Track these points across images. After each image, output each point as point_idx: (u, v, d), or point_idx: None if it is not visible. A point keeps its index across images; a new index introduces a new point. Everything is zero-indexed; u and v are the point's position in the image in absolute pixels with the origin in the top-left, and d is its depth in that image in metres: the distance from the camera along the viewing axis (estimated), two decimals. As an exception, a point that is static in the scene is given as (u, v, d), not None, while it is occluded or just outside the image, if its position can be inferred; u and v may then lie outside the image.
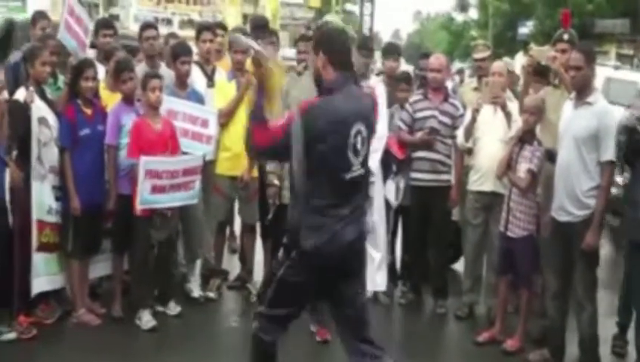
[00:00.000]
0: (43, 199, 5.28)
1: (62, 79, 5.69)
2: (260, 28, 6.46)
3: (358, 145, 3.60)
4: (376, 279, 6.13)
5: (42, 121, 5.23)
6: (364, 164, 3.70)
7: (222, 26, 7.28)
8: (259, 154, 3.83)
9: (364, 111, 3.70)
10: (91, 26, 6.42)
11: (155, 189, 5.35)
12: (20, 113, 5.11)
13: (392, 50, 6.72)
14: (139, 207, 5.33)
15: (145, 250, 5.53)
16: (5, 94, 5.09)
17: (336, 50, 3.67)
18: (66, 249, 5.41)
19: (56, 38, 5.93)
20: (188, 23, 16.54)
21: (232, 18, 17.03)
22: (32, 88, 5.20)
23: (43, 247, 5.30)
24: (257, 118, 3.62)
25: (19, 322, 5.15)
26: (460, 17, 49.65)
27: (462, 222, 6.15)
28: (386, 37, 60.21)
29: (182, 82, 5.96)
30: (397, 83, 6.38)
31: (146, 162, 5.28)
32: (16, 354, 4.93)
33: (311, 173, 3.51)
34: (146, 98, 5.49)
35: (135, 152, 5.32)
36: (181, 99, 5.87)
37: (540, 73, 5.56)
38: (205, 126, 5.86)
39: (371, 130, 3.74)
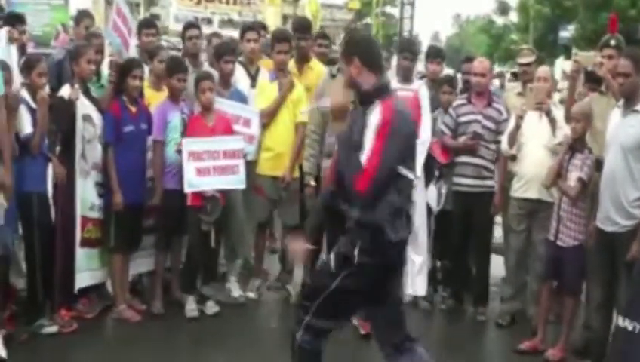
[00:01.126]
0: (86, 195, 5.36)
1: (105, 77, 5.75)
2: (302, 30, 6.44)
3: None
4: (416, 283, 6.11)
5: (87, 118, 5.31)
6: None
7: (263, 27, 7.30)
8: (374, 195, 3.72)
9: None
10: (135, 26, 6.48)
11: (200, 172, 5.47)
12: (65, 110, 5.19)
13: (435, 54, 6.66)
14: (187, 189, 5.46)
15: (197, 238, 5.62)
16: (47, 89, 5.16)
17: (370, 53, 3.63)
18: (108, 244, 5.48)
19: (101, 37, 6.02)
20: (228, 23, 16.57)
21: (272, 18, 17.03)
22: (77, 86, 5.27)
23: (85, 243, 5.39)
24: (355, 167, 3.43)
25: (60, 316, 5.22)
26: (500, 20, 49.10)
27: (505, 229, 6.07)
28: (425, 40, 59.91)
29: (225, 81, 5.99)
30: (440, 86, 6.32)
31: (186, 143, 5.46)
32: (56, 347, 4.99)
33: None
34: (197, 98, 5.62)
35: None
36: (224, 99, 5.89)
37: (594, 80, 5.46)
38: (247, 125, 5.88)
39: None
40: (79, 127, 5.24)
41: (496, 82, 11.89)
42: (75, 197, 5.27)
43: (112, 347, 5.14)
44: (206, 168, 5.50)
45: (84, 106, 5.31)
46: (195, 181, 5.47)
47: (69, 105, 5.20)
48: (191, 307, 5.57)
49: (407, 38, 14.38)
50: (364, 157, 3.41)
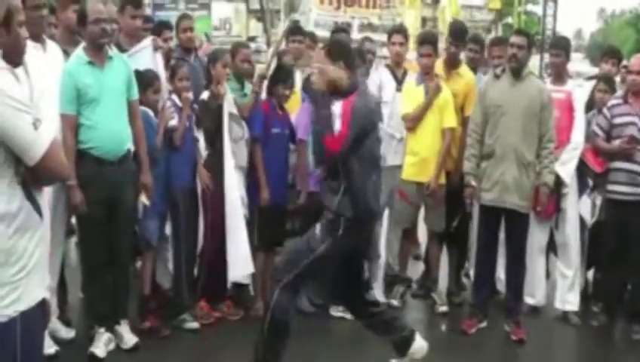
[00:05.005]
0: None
1: (248, 87, 5.87)
2: (458, 36, 6.23)
3: None
4: (567, 297, 5.86)
5: (233, 117, 5.45)
6: None
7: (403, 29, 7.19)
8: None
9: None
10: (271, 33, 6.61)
11: None
12: (211, 109, 5.37)
13: (611, 53, 6.41)
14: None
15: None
16: (191, 94, 5.37)
17: (353, 57, 4.43)
18: (252, 242, 5.58)
19: (248, 47, 6.21)
20: (367, 27, 16.58)
21: (412, 21, 16.90)
22: (221, 84, 5.42)
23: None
24: None
25: (200, 307, 5.39)
26: (648, 13, 46.50)
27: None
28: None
29: None
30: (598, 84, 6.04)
31: None
32: (195, 344, 5.15)
33: None
34: None
35: None
36: None
37: None
38: None
39: None
40: (226, 123, 5.38)
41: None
42: (225, 193, 5.36)
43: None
44: None
45: (231, 105, 5.46)
46: None
47: (214, 105, 5.38)
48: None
49: (559, 35, 13.87)
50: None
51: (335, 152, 4.16)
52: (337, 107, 4.16)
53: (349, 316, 5.45)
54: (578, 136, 5.74)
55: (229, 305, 5.62)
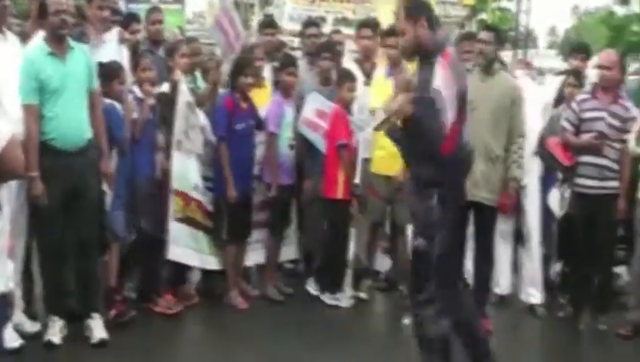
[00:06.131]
0: (190, 174, 5.52)
1: (199, 79, 5.95)
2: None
3: None
4: (530, 290, 5.95)
5: (190, 105, 5.47)
6: None
7: (377, 24, 7.20)
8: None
9: None
10: (243, 31, 6.56)
11: (311, 126, 5.81)
12: (168, 100, 5.40)
13: (579, 49, 6.45)
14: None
15: (345, 233, 5.90)
16: (156, 89, 5.42)
17: (432, 13, 4.09)
18: (221, 236, 5.68)
19: (197, 40, 6.32)
20: (342, 21, 16.56)
21: (386, 16, 16.91)
22: (178, 73, 5.46)
23: (190, 222, 5.54)
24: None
25: (165, 299, 5.44)
26: (620, 11, 46.88)
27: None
28: (541, 34, 58.14)
29: (324, 78, 6.01)
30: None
31: (315, 97, 5.86)
32: (162, 327, 5.24)
33: None
34: (341, 95, 5.78)
35: (343, 135, 5.72)
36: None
37: None
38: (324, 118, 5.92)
39: None
40: (181, 108, 5.38)
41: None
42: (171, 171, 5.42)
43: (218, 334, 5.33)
44: (315, 125, 5.80)
45: (187, 93, 5.46)
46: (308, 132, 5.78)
47: (171, 96, 5.40)
48: (348, 295, 5.81)
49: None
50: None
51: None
52: (437, 72, 3.86)
53: (343, 303, 5.62)
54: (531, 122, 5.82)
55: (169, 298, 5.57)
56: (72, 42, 4.76)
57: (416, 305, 4.04)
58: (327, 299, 5.82)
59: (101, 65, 4.98)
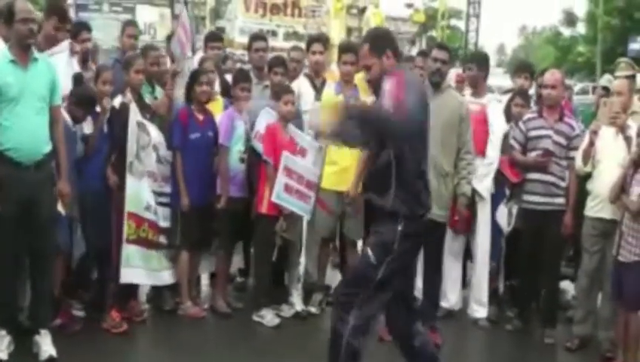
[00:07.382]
0: (141, 196, 5.45)
1: (159, 90, 5.91)
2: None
3: None
4: (474, 306, 6.04)
5: (141, 125, 5.42)
6: None
7: (327, 39, 7.23)
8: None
9: None
10: (196, 39, 6.57)
11: (287, 189, 5.63)
12: (118, 117, 5.32)
13: (523, 68, 6.55)
14: (274, 199, 5.58)
15: (268, 249, 5.80)
16: (110, 101, 5.33)
17: (396, 44, 4.12)
18: (174, 243, 5.65)
19: (157, 49, 6.22)
20: (293, 35, 16.63)
21: (337, 31, 17.02)
22: (128, 92, 5.43)
23: (141, 242, 5.47)
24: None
25: (111, 317, 5.31)
26: (567, 32, 48.06)
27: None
28: (490, 52, 59.15)
29: (274, 93, 6.02)
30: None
31: (286, 157, 5.60)
32: (112, 342, 5.16)
33: None
34: (279, 109, 5.73)
35: (270, 151, 5.62)
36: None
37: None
38: (303, 155, 5.85)
39: None
40: (133, 130, 5.33)
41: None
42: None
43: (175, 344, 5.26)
44: (291, 187, 5.67)
45: (137, 113, 5.42)
46: (283, 196, 5.64)
47: (123, 112, 5.33)
48: (269, 317, 5.69)
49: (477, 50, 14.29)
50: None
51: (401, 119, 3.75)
52: (386, 83, 3.87)
53: (265, 321, 5.58)
54: (493, 151, 5.92)
55: (134, 305, 5.59)
56: (37, 54, 4.65)
57: (342, 303, 4.04)
58: (254, 315, 5.75)
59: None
